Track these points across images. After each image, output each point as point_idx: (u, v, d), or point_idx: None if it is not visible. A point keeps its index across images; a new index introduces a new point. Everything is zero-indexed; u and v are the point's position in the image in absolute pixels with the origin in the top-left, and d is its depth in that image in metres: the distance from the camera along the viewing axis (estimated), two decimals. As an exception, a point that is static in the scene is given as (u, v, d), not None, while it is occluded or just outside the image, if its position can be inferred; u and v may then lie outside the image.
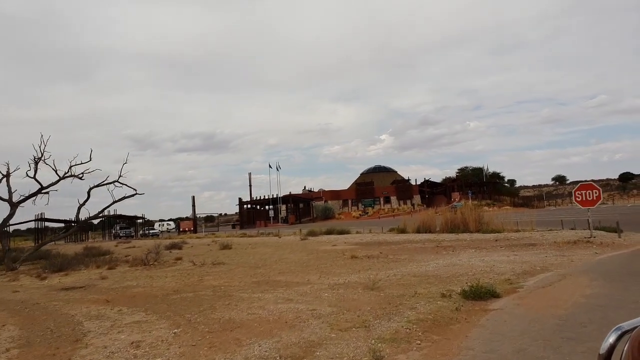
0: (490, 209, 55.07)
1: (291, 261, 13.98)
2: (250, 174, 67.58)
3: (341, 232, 27.35)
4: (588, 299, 6.31)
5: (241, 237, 34.63)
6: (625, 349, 1.05)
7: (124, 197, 18.53)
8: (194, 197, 57.24)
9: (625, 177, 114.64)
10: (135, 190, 18.90)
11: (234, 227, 63.64)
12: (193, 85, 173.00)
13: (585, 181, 14.76)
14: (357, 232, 27.71)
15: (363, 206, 65.63)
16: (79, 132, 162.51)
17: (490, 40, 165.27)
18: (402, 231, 24.37)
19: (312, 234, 27.83)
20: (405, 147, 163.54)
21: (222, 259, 16.00)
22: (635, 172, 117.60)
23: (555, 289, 7.23)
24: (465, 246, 14.78)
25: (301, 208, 68.29)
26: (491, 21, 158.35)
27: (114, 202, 18.42)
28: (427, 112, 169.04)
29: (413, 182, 69.69)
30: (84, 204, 18.00)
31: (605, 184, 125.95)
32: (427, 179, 68.88)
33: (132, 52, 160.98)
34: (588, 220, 14.65)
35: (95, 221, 57.58)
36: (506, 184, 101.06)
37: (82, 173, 17.35)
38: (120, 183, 18.34)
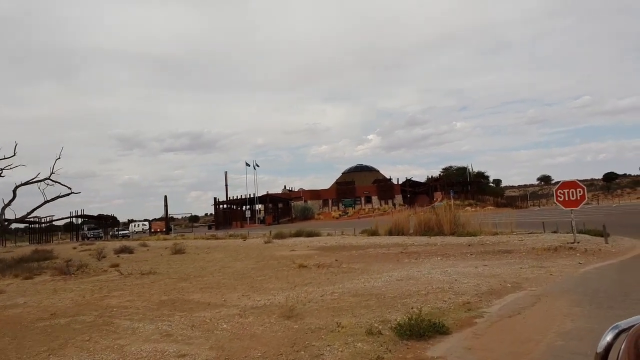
0: (473, 209, 53.60)
1: (230, 272, 12.03)
2: (226, 172, 65.22)
3: (310, 235, 25.50)
4: (567, 340, 4.48)
5: (207, 239, 32.52)
6: (622, 347, 1.06)
7: (58, 197, 16.41)
8: (166, 196, 54.87)
9: (610, 177, 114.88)
10: (70, 188, 16.79)
11: (210, 227, 61.30)
12: (180, 85, 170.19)
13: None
14: (328, 234, 25.92)
15: (343, 206, 63.76)
16: (64, 132, 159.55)
17: (476, 42, 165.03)
18: (374, 233, 22.59)
19: (279, 236, 25.89)
20: (392, 147, 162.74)
21: (158, 268, 14.00)
22: (619, 172, 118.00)
23: (524, 319, 5.39)
24: (432, 253, 12.97)
25: (281, 208, 66.13)
26: (478, 23, 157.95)
27: (46, 202, 16.28)
28: (414, 112, 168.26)
29: (395, 182, 67.97)
30: (9, 203, 15.84)
31: (590, 183, 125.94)
32: (408, 178, 67.27)
33: (119, 51, 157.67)
34: (571, 223, 12.95)
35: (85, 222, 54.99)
36: (492, 184, 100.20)
37: (2, 169, 15.20)
38: (52, 181, 16.22)
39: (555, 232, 17.30)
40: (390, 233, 22.45)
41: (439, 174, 75.61)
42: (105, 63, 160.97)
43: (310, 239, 23.53)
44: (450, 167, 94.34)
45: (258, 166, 60.24)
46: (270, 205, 65.56)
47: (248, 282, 9.82)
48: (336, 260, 12.81)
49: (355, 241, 19.20)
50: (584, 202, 12.64)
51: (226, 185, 63.59)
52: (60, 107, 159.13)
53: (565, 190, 12.73)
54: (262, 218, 59.52)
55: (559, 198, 12.86)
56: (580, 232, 15.63)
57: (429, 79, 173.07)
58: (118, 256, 20.69)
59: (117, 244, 37.21)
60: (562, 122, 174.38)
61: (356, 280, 8.97)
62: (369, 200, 64.68)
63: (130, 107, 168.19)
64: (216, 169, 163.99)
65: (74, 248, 32.91)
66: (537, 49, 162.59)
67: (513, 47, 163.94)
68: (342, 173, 77.38)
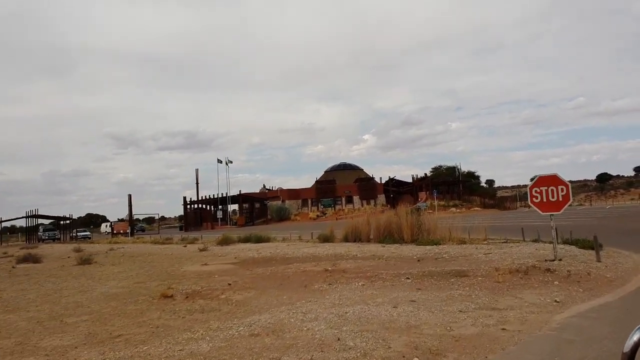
0: (458, 210, 50.32)
1: (68, 302, 8.52)
2: (197, 170, 59.86)
3: (260, 240, 22.04)
4: None
5: (156, 243, 29.00)
6: None
7: None
8: (130, 195, 50.91)
9: (603, 178, 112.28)
10: None
11: (181, 229, 57.56)
12: (175, 84, 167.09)
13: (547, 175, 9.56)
14: (283, 239, 22.64)
15: (322, 206, 60.04)
16: (58, 130, 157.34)
17: (471, 42, 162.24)
18: (327, 239, 19.22)
19: (226, 241, 22.43)
20: (388, 147, 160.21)
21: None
22: (613, 174, 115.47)
23: None
24: (361, 273, 9.48)
25: (258, 208, 62.37)
26: (472, 23, 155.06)
27: None
28: (410, 112, 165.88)
29: (379, 181, 64.32)
30: None
31: (583, 184, 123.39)
32: (391, 177, 63.53)
33: (114, 50, 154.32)
34: (552, 233, 9.54)
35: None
36: (484, 185, 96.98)
37: None
38: None
39: (536, 240, 13.98)
40: (346, 239, 19.21)
41: (425, 174, 71.98)
42: (100, 61, 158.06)
43: (255, 245, 20.09)
44: (440, 166, 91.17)
45: (231, 162, 56.43)
46: (246, 205, 61.82)
47: (39, 330, 6.31)
48: (229, 284, 9.34)
49: (295, 251, 15.72)
50: (568, 204, 9.22)
51: (197, 183, 59.27)
52: (55, 105, 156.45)
53: (543, 189, 9.31)
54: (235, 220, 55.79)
55: (534, 199, 9.44)
56: (565, 242, 12.26)
57: (424, 79, 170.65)
58: (13, 267, 17.14)
59: (61, 248, 33.67)
60: (556, 123, 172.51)
61: (190, 333, 5.49)
62: (350, 200, 60.96)
63: (125, 105, 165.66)
64: (212, 168, 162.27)
65: (4, 253, 29.20)
66: (532, 50, 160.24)
67: (507, 47, 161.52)
68: (325, 171, 73.55)
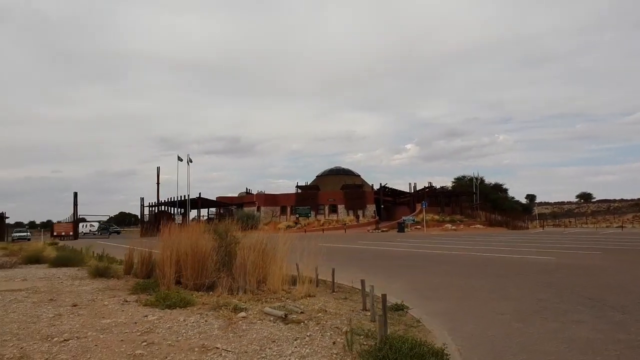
0: (454, 226, 41.12)
1: None
2: (158, 168, 52.36)
3: (66, 262, 14.75)
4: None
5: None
6: None
7: None
8: (76, 193, 44.95)
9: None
10: None
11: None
12: (219, 91, 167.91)
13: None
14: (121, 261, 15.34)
15: (297, 215, 51.99)
16: (107, 132, 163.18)
17: (519, 52, 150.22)
18: (102, 273, 11.72)
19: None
20: (431, 157, 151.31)
21: None
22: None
23: None
24: None
25: (231, 214, 55.03)
26: (520, 32, 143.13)
27: None
28: (454, 123, 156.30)
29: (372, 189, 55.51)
30: None
31: (635, 204, 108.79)
32: (383, 184, 54.41)
33: (162, 56, 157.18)
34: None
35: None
36: (525, 200, 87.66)
37: None
38: None
39: (399, 307, 5.77)
40: (135, 273, 11.76)
41: (429, 183, 62.47)
42: (148, 67, 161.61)
43: (16, 273, 12.82)
44: (464, 177, 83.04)
45: (191, 161, 49.22)
46: (218, 210, 54.68)
47: None
48: None
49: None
50: None
51: (158, 183, 51.96)
52: (103, 108, 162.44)
53: None
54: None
55: None
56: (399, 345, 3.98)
57: (469, 89, 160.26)
58: None
59: None
60: (611, 138, 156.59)
61: None
62: (334, 209, 52.61)
63: (170, 110, 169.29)
64: (251, 173, 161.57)
65: None
66: (584, 61, 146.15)
67: (558, 58, 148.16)
68: (316, 176, 65.60)
